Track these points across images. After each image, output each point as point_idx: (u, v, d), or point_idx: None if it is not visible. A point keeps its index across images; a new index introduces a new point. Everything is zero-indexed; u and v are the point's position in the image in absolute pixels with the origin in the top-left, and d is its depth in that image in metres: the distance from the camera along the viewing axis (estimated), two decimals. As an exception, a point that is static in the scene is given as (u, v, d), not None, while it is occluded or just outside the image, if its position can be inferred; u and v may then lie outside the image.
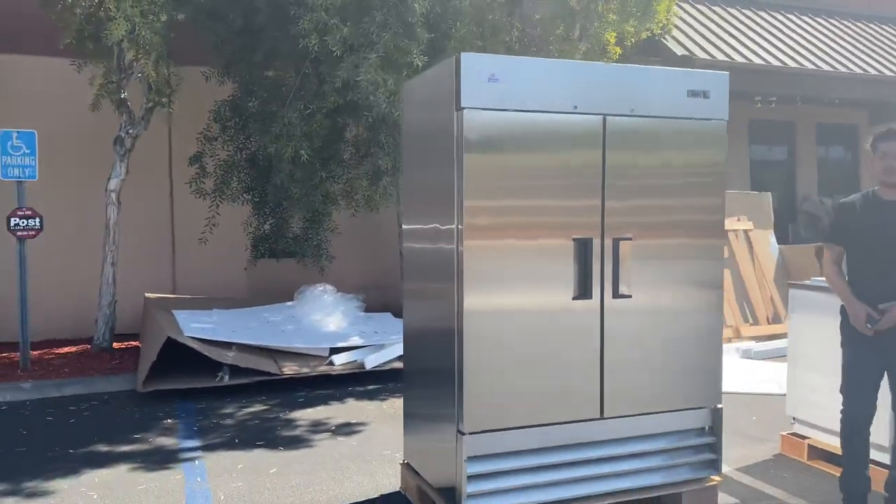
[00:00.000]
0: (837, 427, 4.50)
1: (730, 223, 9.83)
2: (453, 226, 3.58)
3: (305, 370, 7.01)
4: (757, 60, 11.47)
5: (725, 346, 8.52)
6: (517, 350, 3.65)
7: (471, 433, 3.56)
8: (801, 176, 14.54)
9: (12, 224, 7.46)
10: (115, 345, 8.31)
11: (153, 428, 5.76)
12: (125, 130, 8.10)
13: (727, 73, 4.01)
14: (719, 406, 4.10)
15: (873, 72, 12.28)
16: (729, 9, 13.20)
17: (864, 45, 13.24)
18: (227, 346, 7.05)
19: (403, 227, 4.32)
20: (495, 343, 3.60)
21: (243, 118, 7.91)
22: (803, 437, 4.96)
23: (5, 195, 7.86)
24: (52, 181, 8.40)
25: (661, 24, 9.96)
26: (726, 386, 6.89)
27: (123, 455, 5.12)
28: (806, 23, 13.48)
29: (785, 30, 12.91)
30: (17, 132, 7.53)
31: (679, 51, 10.91)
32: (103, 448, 5.27)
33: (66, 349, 8.41)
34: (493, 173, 3.56)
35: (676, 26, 11.62)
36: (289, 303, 8.36)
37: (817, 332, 4.88)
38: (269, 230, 8.46)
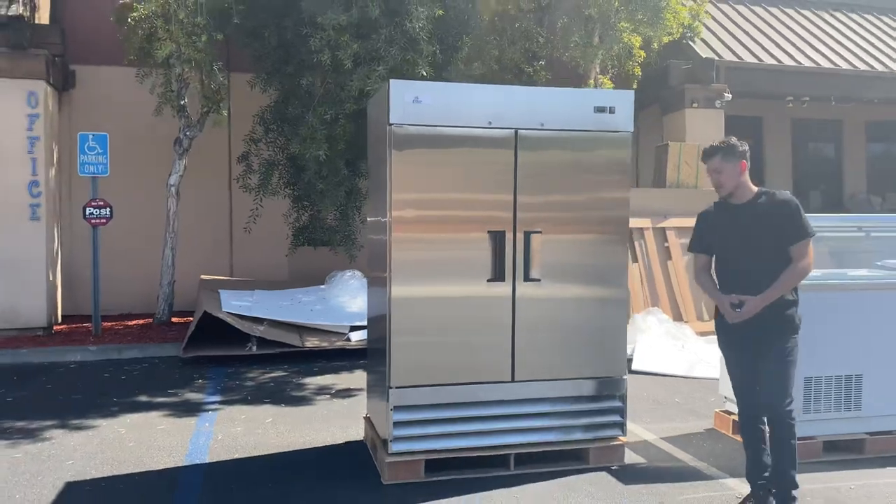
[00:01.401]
0: (758, 404, 5.11)
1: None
2: (387, 219, 4.43)
3: (324, 344, 8.00)
4: (788, 61, 11.67)
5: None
6: (439, 322, 4.45)
7: (396, 387, 4.41)
8: (848, 174, 14.51)
9: (87, 213, 8.78)
10: (173, 319, 9.55)
11: (186, 385, 6.88)
12: (183, 133, 9.30)
13: (632, 91, 4.67)
14: (624, 377, 4.77)
15: (916, 70, 12.21)
16: (767, 8, 13.35)
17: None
18: (259, 321, 8.13)
19: (367, 219, 5.18)
20: (419, 318, 4.41)
21: (283, 122, 8.96)
22: (730, 414, 5.53)
23: (83, 189, 9.23)
24: (122, 176, 9.74)
25: (680, 29, 10.40)
26: (705, 372, 7.48)
27: (156, 404, 6.23)
28: (841, 20, 13.44)
29: (821, 27, 12.95)
30: (93, 134, 8.86)
31: (705, 53, 11.26)
32: (142, 399, 6.40)
33: (133, 322, 9.73)
34: (416, 179, 4.38)
35: (707, 27, 11.96)
36: (321, 286, 9.38)
37: (744, 319, 5.43)
38: (307, 221, 9.50)
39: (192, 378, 7.16)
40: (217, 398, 6.48)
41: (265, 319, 8.17)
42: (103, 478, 4.54)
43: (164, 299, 9.49)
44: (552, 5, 9.84)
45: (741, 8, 13.28)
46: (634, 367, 7.55)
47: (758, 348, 3.93)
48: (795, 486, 3.90)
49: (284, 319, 8.24)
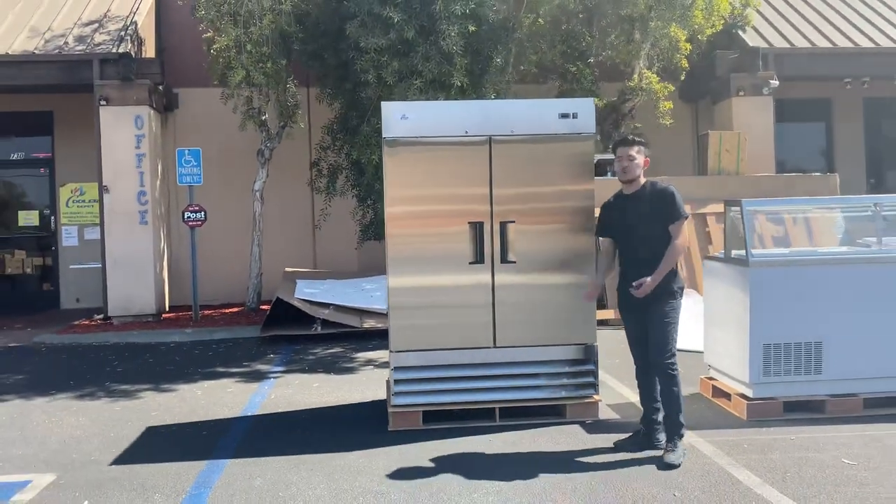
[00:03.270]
0: (733, 371, 5.79)
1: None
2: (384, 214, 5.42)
3: (380, 325, 9.09)
4: (844, 43, 11.69)
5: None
6: (430, 298, 5.40)
7: (396, 351, 5.40)
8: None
9: (185, 217, 10.30)
10: (261, 306, 10.94)
11: (259, 359, 8.17)
12: (264, 144, 10.67)
13: (592, 98, 5.42)
14: (594, 344, 5.53)
15: None
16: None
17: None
18: (326, 305, 9.34)
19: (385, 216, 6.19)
20: (412, 297, 5.37)
21: (345, 131, 10.13)
22: (712, 380, 6.15)
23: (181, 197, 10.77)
24: (216, 184, 11.24)
25: (720, 22, 10.75)
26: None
27: (230, 373, 7.52)
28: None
29: (889, 5, 12.77)
30: (188, 150, 10.37)
31: (753, 41, 11.50)
32: (220, 369, 7.73)
33: (228, 310, 11.23)
34: (406, 180, 5.35)
35: (762, 14, 12.14)
36: (383, 275, 10.44)
37: (720, 295, 6.04)
38: (371, 218, 10.64)
39: (264, 354, 8.45)
40: (281, 368, 7.70)
41: (331, 304, 9.37)
42: (176, 423, 5.81)
43: (253, 289, 10.92)
44: (598, 7, 10.46)
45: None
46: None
47: (644, 313, 4.72)
48: (681, 426, 4.71)
49: (347, 304, 9.41)
